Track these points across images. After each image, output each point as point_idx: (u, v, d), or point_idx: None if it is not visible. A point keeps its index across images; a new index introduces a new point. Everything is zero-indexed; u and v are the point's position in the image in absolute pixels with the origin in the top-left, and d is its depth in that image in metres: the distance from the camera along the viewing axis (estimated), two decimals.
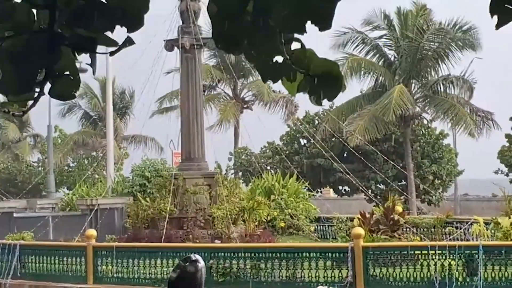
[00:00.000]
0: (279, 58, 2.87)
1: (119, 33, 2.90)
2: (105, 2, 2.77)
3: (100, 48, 2.93)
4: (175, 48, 30.41)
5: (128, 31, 2.82)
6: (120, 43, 2.87)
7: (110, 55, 2.93)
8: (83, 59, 3.02)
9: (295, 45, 2.88)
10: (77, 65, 2.92)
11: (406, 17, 40.74)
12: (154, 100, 50.03)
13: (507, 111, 54.13)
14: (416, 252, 18.70)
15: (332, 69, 2.91)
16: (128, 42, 2.85)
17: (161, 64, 33.28)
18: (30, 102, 2.98)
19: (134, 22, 2.80)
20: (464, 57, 40.62)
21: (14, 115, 3.05)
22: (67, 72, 2.87)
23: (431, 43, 40.18)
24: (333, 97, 2.95)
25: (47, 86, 2.87)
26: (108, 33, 2.88)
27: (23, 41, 2.78)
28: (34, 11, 2.82)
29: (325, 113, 45.76)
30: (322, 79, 2.89)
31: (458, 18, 40.62)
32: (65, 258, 21.85)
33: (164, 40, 30.64)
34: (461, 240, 25.44)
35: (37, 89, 2.85)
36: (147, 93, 55.46)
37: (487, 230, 24.10)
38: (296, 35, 2.85)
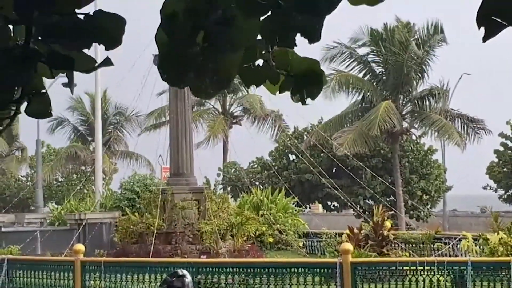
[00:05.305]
0: (259, 61, 2.87)
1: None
2: (82, 20, 2.75)
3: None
4: None
5: (106, 49, 2.81)
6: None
7: (87, 73, 2.90)
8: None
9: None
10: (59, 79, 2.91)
11: (393, 33, 40.76)
12: (145, 116, 50.09)
13: (498, 119, 54.06)
14: (404, 267, 18.65)
15: (314, 67, 2.92)
16: (106, 62, 2.84)
17: (153, 80, 33.25)
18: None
19: (111, 41, 2.79)
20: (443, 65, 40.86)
21: None
22: (43, 90, 2.85)
23: (414, 57, 40.18)
24: (315, 94, 2.95)
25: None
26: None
27: None
28: (11, 27, 2.80)
29: (313, 128, 45.82)
30: (304, 78, 2.89)
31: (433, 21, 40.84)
32: (53, 273, 21.71)
33: (153, 55, 30.58)
34: (450, 256, 25.43)
35: (13, 108, 2.81)
36: (139, 108, 55.57)
37: (475, 246, 24.12)
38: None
